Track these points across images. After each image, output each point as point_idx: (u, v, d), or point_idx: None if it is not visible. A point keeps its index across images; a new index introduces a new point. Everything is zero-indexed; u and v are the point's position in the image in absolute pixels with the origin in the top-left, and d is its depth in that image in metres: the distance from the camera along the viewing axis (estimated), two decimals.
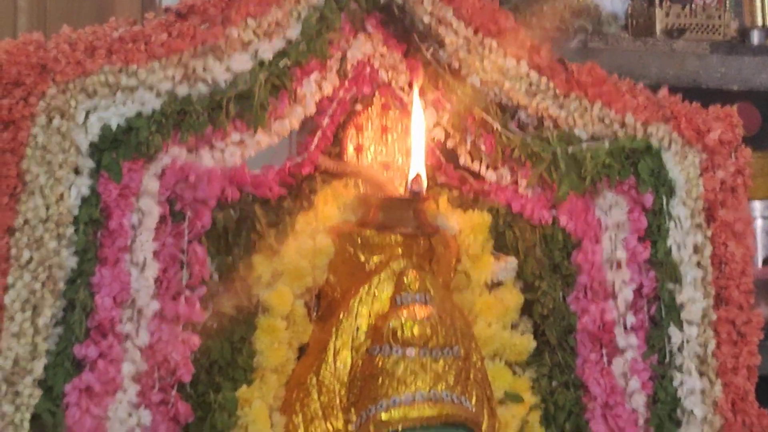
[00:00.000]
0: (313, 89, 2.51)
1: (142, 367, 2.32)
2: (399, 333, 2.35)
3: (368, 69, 2.59)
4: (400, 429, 2.31)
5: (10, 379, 2.21)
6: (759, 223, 3.02)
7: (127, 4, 2.80)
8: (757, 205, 2.98)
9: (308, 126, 2.56)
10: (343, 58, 2.56)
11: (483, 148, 2.65)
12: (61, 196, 2.26)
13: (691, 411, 2.59)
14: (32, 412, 2.21)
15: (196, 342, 2.37)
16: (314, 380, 2.43)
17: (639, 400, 2.59)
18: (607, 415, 2.57)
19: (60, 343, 2.25)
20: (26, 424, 2.20)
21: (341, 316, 2.46)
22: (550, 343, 2.61)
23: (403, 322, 2.36)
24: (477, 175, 2.67)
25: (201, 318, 2.39)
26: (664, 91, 2.69)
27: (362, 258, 2.51)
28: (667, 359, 2.61)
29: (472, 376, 2.45)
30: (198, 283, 2.39)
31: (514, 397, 2.55)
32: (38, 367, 2.22)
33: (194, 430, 2.37)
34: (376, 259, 2.51)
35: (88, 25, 2.40)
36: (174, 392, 2.36)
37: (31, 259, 2.23)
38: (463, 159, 2.67)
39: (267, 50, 2.45)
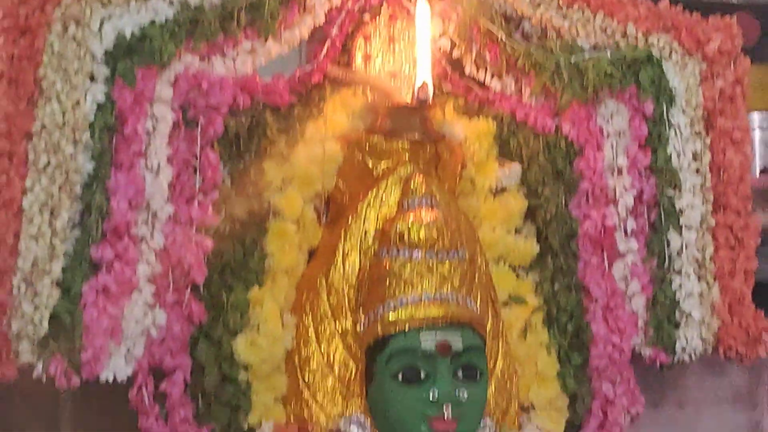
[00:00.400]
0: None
1: (156, 269, 2.33)
2: (406, 236, 2.35)
3: None
4: (406, 328, 2.30)
5: (29, 280, 2.22)
6: (757, 134, 3.02)
7: None
8: (756, 117, 2.98)
9: (317, 36, 2.55)
10: None
11: (488, 57, 2.64)
12: (77, 102, 2.26)
13: (689, 313, 2.61)
14: (51, 311, 2.22)
15: (209, 244, 2.38)
16: (324, 282, 2.45)
17: (638, 303, 2.61)
18: (607, 317, 2.59)
19: (77, 245, 2.26)
20: (45, 323, 2.21)
21: (350, 220, 2.47)
22: (552, 247, 2.62)
23: (409, 225, 2.35)
24: (482, 84, 2.66)
25: (214, 221, 2.40)
26: (665, 2, 2.68)
27: (370, 164, 2.52)
28: (666, 263, 2.62)
29: (476, 278, 2.46)
30: (210, 187, 2.40)
31: (517, 299, 2.57)
32: (56, 268, 2.23)
33: (207, 330, 2.39)
34: (383, 164, 2.52)
35: None
36: (188, 293, 2.38)
37: (48, 163, 2.24)
38: (469, 68, 2.66)
39: None
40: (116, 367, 2.30)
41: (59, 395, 2.64)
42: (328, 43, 2.55)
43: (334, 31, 2.56)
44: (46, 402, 2.66)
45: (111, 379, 2.30)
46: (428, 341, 2.30)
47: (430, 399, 2.28)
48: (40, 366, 2.24)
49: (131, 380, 2.35)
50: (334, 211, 2.55)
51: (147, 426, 2.36)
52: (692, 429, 3.06)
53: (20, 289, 2.22)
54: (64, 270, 2.25)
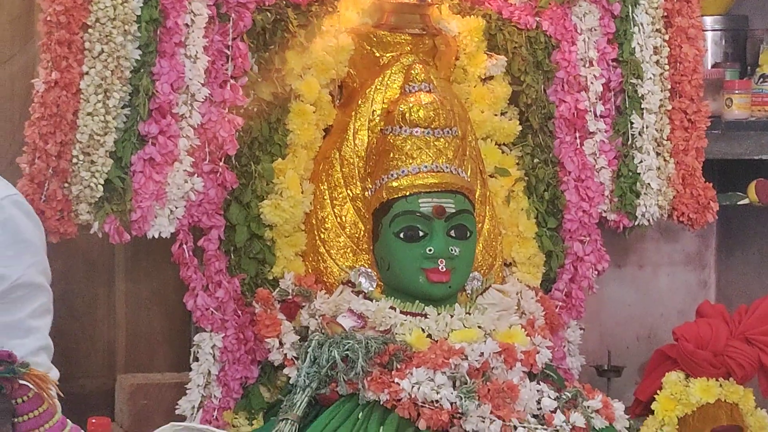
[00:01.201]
0: None
1: (195, 143, 2.38)
2: (407, 115, 2.41)
3: None
4: (407, 194, 2.38)
5: (86, 151, 2.29)
6: (709, 35, 3.03)
7: None
8: (708, 20, 2.99)
9: None
10: None
11: None
12: None
13: (649, 184, 2.69)
14: (105, 177, 2.30)
15: (239, 122, 2.41)
16: (337, 155, 2.49)
17: (605, 175, 2.69)
18: (579, 187, 2.66)
19: (127, 121, 2.32)
20: (100, 188, 2.29)
21: (359, 102, 2.51)
22: (532, 127, 2.67)
23: (410, 106, 2.42)
24: None
25: (243, 102, 2.42)
26: None
27: (377, 54, 2.55)
28: (630, 141, 2.69)
29: (468, 152, 2.52)
30: (241, 73, 2.42)
31: (502, 171, 2.62)
32: (109, 141, 2.30)
33: (238, 195, 2.43)
34: (388, 55, 2.54)
35: None
36: (222, 163, 2.41)
37: (102, 51, 2.28)
38: None
39: None
40: (161, 226, 2.36)
41: (113, 250, 2.71)
42: None
43: None
44: (102, 256, 2.71)
45: (156, 236, 2.36)
46: (426, 205, 2.38)
47: (427, 254, 2.37)
48: (96, 225, 2.31)
49: (173, 237, 2.40)
50: (346, 94, 2.56)
51: (187, 276, 2.41)
52: (650, 286, 3.12)
53: (79, 159, 2.28)
54: (116, 143, 2.30)
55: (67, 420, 1.47)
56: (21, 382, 1.41)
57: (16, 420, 1.40)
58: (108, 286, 2.76)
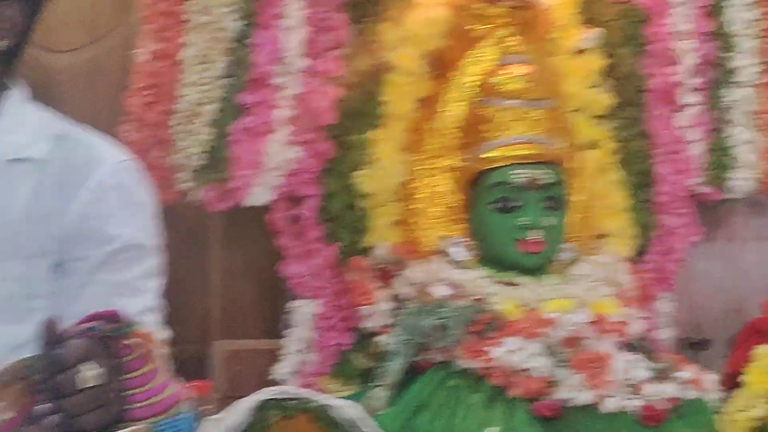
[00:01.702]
0: None
1: (292, 113, 2.38)
2: (502, 87, 2.39)
3: None
4: (502, 165, 2.36)
5: (186, 120, 2.32)
6: None
7: None
8: None
9: None
10: None
11: None
12: None
13: (741, 157, 2.63)
14: (204, 147, 2.33)
15: (336, 93, 2.42)
16: (431, 126, 2.48)
17: (697, 148, 2.63)
18: (670, 160, 2.61)
19: (227, 91, 2.33)
20: (201, 156, 2.32)
21: (454, 74, 2.48)
22: (626, 100, 2.61)
23: (505, 78, 2.40)
24: None
25: (341, 73, 2.43)
26: None
27: (472, 26, 2.50)
28: (722, 115, 2.63)
29: (561, 125, 2.49)
30: (338, 44, 2.42)
31: (595, 144, 2.58)
32: (210, 111, 2.32)
33: (334, 164, 2.44)
34: (483, 27, 2.50)
35: None
36: (318, 133, 2.42)
37: (202, 22, 2.30)
38: None
39: None
40: (258, 194, 2.37)
41: (209, 218, 2.68)
42: None
43: None
44: (197, 225, 2.70)
45: (254, 204, 2.38)
46: (519, 176, 2.35)
47: (520, 224, 2.35)
48: (195, 193, 2.34)
49: (266, 206, 2.42)
50: (441, 66, 2.52)
51: (283, 244, 2.43)
52: (738, 261, 3.04)
53: (180, 129, 2.32)
54: (215, 112, 2.32)
55: (172, 379, 1.48)
56: (127, 341, 1.42)
57: (123, 377, 1.41)
58: (202, 254, 2.76)
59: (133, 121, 2.32)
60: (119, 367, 1.39)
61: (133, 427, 1.40)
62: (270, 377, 2.47)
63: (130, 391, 1.41)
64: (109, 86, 2.67)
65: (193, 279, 2.76)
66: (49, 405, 1.35)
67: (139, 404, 1.42)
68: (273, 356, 2.53)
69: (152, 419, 1.43)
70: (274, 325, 2.75)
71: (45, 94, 2.52)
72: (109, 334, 1.40)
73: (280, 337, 2.60)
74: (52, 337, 1.35)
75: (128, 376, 1.41)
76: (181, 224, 2.66)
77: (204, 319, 2.77)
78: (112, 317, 1.42)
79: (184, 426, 1.49)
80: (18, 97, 1.82)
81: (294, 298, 2.57)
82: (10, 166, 1.75)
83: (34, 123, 1.81)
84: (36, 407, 1.38)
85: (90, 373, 1.35)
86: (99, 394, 1.34)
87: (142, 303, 1.78)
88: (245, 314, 2.79)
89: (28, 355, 1.42)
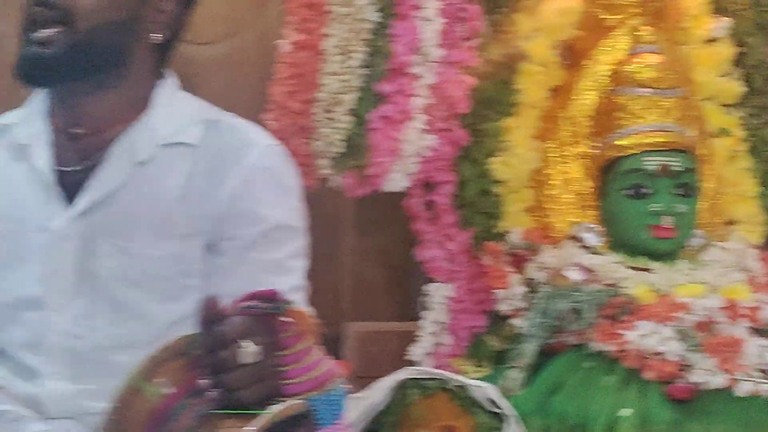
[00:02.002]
0: None
1: (429, 101, 2.39)
2: (634, 76, 2.38)
3: None
4: (634, 152, 2.36)
5: (328, 108, 2.33)
6: None
7: None
8: None
9: None
10: None
11: None
12: None
13: None
14: (344, 134, 2.34)
15: (471, 82, 2.42)
16: (564, 114, 2.47)
17: None
18: None
19: (366, 80, 2.35)
20: (341, 144, 2.34)
21: (587, 63, 2.48)
22: (755, 88, 2.58)
23: (637, 67, 2.39)
24: None
25: (475, 63, 2.43)
26: None
27: (604, 16, 2.50)
28: None
29: (691, 113, 2.47)
30: (473, 35, 2.42)
31: (725, 132, 2.55)
32: (350, 100, 2.34)
33: (469, 151, 2.44)
34: (615, 17, 2.49)
35: None
36: (454, 121, 2.42)
37: (344, 13, 2.32)
38: None
39: None
40: (395, 180, 2.38)
41: (342, 203, 2.71)
42: None
43: None
44: (330, 210, 2.71)
45: (391, 190, 2.39)
46: (652, 163, 2.35)
47: (652, 210, 2.34)
48: (335, 179, 2.36)
49: (397, 193, 2.43)
50: (573, 56, 2.52)
51: (420, 229, 2.44)
52: None
53: (321, 116, 2.33)
54: (355, 101, 2.33)
55: (326, 356, 1.50)
56: (283, 318, 1.44)
57: (280, 353, 1.43)
58: (335, 238, 2.79)
59: (276, 109, 2.34)
60: (276, 344, 1.41)
61: (289, 403, 1.43)
62: (401, 358, 2.47)
63: (286, 368, 1.42)
64: (247, 78, 2.71)
65: (326, 262, 2.73)
66: (209, 380, 1.37)
67: (294, 380, 1.43)
68: (404, 338, 2.54)
69: (307, 395, 1.44)
70: (405, 308, 2.79)
71: (185, 85, 2.62)
72: (267, 312, 1.43)
73: (411, 319, 2.61)
74: (212, 315, 1.36)
75: (284, 352, 1.43)
76: (314, 208, 2.69)
77: (336, 301, 2.79)
78: (269, 296, 1.45)
79: (337, 402, 1.51)
80: (170, 86, 1.86)
81: (427, 281, 2.57)
82: (165, 150, 1.78)
83: (186, 110, 1.84)
84: (198, 382, 1.42)
85: (249, 350, 1.36)
86: (257, 369, 1.35)
87: (290, 281, 1.78)
88: (376, 297, 2.82)
89: (184, 332, 1.44)
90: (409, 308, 2.80)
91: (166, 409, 1.42)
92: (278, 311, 1.42)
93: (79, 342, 1.75)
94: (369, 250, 2.82)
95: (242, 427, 1.37)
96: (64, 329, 1.75)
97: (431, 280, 2.50)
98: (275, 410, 1.38)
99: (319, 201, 2.57)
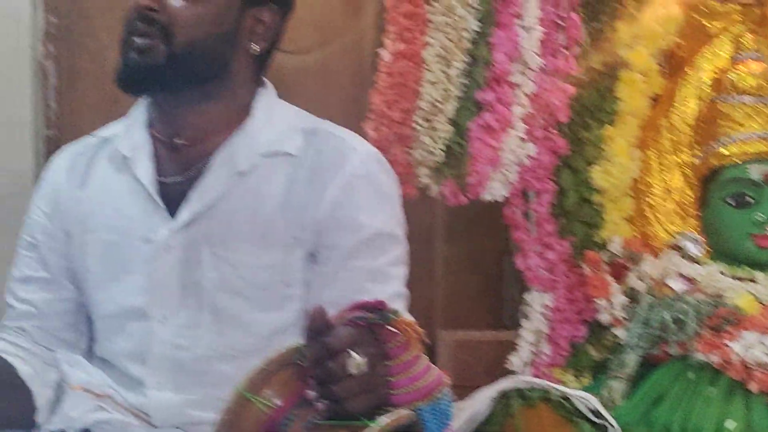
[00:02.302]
0: None
1: (528, 110, 2.37)
2: (737, 83, 2.35)
3: None
4: (737, 161, 2.32)
5: (428, 117, 2.31)
6: None
7: None
8: None
9: None
10: None
11: None
12: None
13: None
14: (444, 143, 2.32)
15: (571, 91, 2.40)
16: (665, 123, 2.45)
17: None
18: None
19: (466, 90, 2.33)
20: (440, 153, 2.32)
21: (688, 71, 2.46)
22: None
23: (740, 74, 2.35)
24: None
25: (575, 71, 2.41)
26: None
27: (705, 24, 2.48)
28: None
29: None
30: (573, 44, 2.40)
31: None
32: (449, 108, 2.32)
33: (569, 160, 2.42)
34: (717, 24, 2.47)
35: None
36: (553, 130, 2.40)
37: (444, 23, 2.29)
38: None
39: None
40: (495, 189, 2.36)
41: (434, 213, 2.73)
42: None
43: None
44: (422, 219, 2.68)
45: (490, 199, 2.37)
46: (755, 172, 2.31)
47: (756, 220, 2.31)
48: (435, 188, 2.34)
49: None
50: (674, 64, 2.50)
51: (519, 237, 2.41)
52: None
53: (421, 125, 2.31)
54: (455, 110, 2.31)
55: (432, 365, 1.48)
56: (390, 328, 1.43)
57: (387, 363, 1.42)
58: (427, 247, 2.78)
59: (376, 118, 2.32)
60: (383, 354, 1.41)
61: (397, 413, 1.42)
62: (494, 367, 2.46)
63: (393, 377, 1.42)
64: (339, 86, 2.74)
65: (418, 270, 2.74)
66: (317, 391, 1.37)
67: (402, 389, 1.42)
68: (497, 347, 2.52)
69: (414, 404, 1.43)
70: (496, 316, 2.80)
71: (280, 93, 2.64)
72: (374, 323, 1.42)
73: (503, 327, 2.62)
74: (320, 325, 1.36)
75: (391, 362, 1.43)
76: (406, 217, 2.72)
77: (428, 310, 2.77)
78: (376, 306, 1.44)
79: (445, 411, 1.50)
80: (268, 95, 1.87)
81: (521, 289, 2.55)
82: (265, 159, 1.79)
83: (285, 119, 1.84)
84: (305, 392, 1.41)
85: (358, 360, 1.35)
86: (366, 379, 1.35)
87: (391, 288, 1.79)
88: (466, 306, 2.82)
89: (286, 340, 1.45)
90: (501, 316, 2.80)
91: (275, 420, 1.42)
92: (385, 321, 1.41)
93: (183, 352, 1.76)
94: (460, 260, 2.81)
95: None
96: (168, 339, 1.76)
97: (525, 289, 2.48)
98: (384, 421, 1.37)
99: (410, 209, 2.62)
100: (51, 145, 2.55)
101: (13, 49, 2.52)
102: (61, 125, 2.59)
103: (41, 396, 1.78)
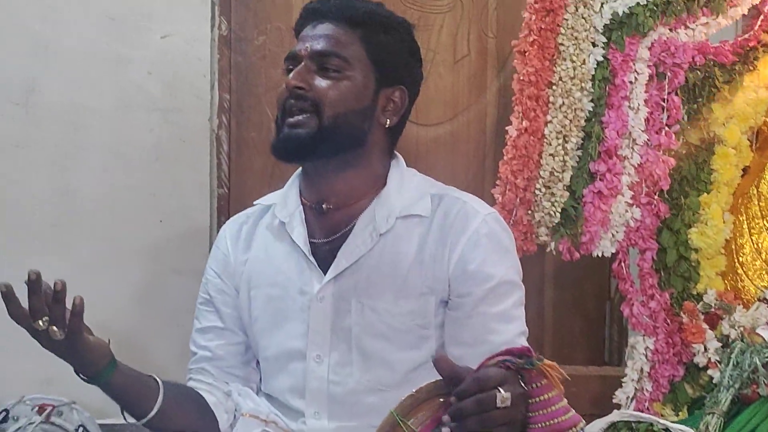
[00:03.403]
0: None
1: (634, 179, 2.37)
2: None
3: None
4: None
5: (547, 185, 2.34)
6: None
7: None
8: None
9: (752, 12, 2.47)
10: None
11: None
12: (584, 61, 2.33)
13: None
14: (561, 207, 2.34)
15: (672, 162, 2.39)
16: (755, 191, 2.44)
17: None
18: None
19: (580, 161, 2.35)
20: (557, 215, 2.34)
21: None
22: None
23: None
24: None
25: (675, 146, 2.40)
26: None
27: None
28: None
29: None
30: (674, 122, 2.39)
31: None
32: (566, 177, 2.34)
33: (669, 223, 2.41)
34: None
35: None
36: (656, 196, 2.40)
37: (563, 104, 2.32)
38: None
39: None
40: (604, 247, 2.37)
41: (544, 264, 2.74)
42: (761, 17, 2.44)
43: (766, 8, 2.43)
44: (534, 268, 2.70)
45: (600, 255, 2.36)
46: None
47: None
48: (552, 244, 2.35)
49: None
50: (762, 139, 2.48)
51: (625, 288, 2.40)
52: None
53: (541, 191, 2.33)
54: (571, 178, 2.33)
55: (570, 408, 1.50)
56: (537, 371, 1.45)
57: (530, 401, 1.44)
58: (538, 293, 2.78)
59: (503, 185, 2.35)
60: (526, 393, 1.43)
61: None
62: (596, 399, 2.46)
63: (533, 413, 1.45)
64: (465, 153, 2.75)
65: (530, 313, 2.72)
66: (458, 420, 1.40)
67: (540, 424, 1.45)
68: (601, 381, 2.51)
69: None
70: (595, 355, 2.78)
71: (416, 160, 2.63)
72: (524, 367, 1.44)
73: (606, 364, 2.61)
74: (447, 371, 1.42)
75: (534, 400, 1.45)
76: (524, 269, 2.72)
77: (539, 347, 2.69)
78: (522, 352, 1.46)
79: None
80: (399, 166, 1.89)
81: (621, 332, 2.58)
82: (400, 221, 1.82)
83: (415, 185, 1.86)
84: (443, 417, 1.44)
85: (505, 395, 1.39)
86: (509, 412, 1.39)
87: (515, 328, 1.81)
88: (573, 344, 2.81)
89: (426, 375, 1.49)
90: (602, 354, 2.79)
91: None
92: (531, 367, 1.44)
93: (336, 387, 1.80)
94: (567, 304, 2.80)
95: None
96: (323, 376, 1.80)
97: (623, 330, 2.50)
98: None
99: (524, 260, 2.62)
100: (222, 201, 2.61)
101: (196, 121, 2.58)
102: (231, 185, 2.63)
103: (222, 420, 1.85)
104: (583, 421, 1.48)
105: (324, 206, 1.82)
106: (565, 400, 1.48)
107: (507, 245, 1.83)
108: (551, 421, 1.46)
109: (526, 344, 1.76)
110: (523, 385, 1.43)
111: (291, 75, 1.76)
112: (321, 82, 1.76)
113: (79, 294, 1.57)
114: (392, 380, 1.77)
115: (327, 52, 1.76)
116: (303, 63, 1.76)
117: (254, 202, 1.97)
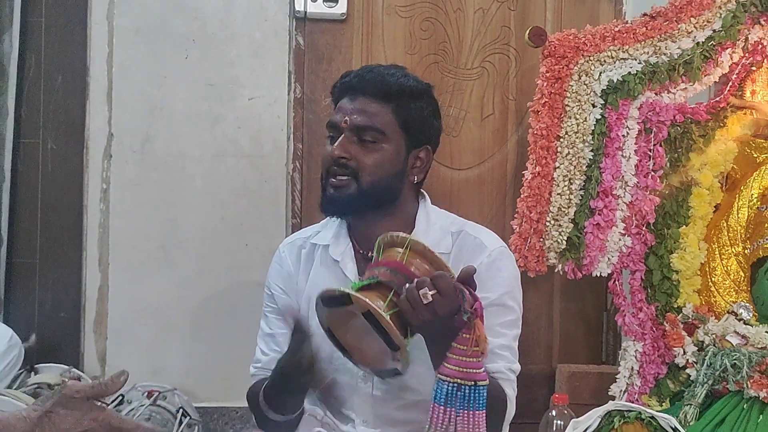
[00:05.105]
0: (727, 58, 2.42)
1: (626, 214, 2.37)
2: None
3: (761, 46, 2.45)
4: None
5: (556, 218, 2.32)
6: None
7: (606, 12, 2.76)
8: None
9: (722, 79, 2.47)
10: (746, 40, 2.44)
11: None
12: (585, 119, 2.33)
13: None
14: (567, 236, 2.32)
15: (657, 201, 2.39)
16: (725, 224, 2.42)
17: None
18: None
19: (582, 199, 2.34)
20: (563, 242, 2.31)
21: (741, 188, 2.43)
22: None
23: None
24: None
25: (660, 187, 2.39)
26: None
27: (755, 155, 2.46)
28: None
29: None
30: (658, 168, 2.38)
31: None
32: (571, 212, 2.33)
33: (655, 249, 2.39)
34: (763, 156, 2.44)
35: (584, 26, 2.42)
36: (644, 228, 2.39)
37: (568, 153, 2.33)
38: None
39: (701, 36, 2.40)
40: (602, 268, 2.36)
41: (553, 280, 2.70)
42: (729, 84, 2.44)
43: (733, 76, 2.43)
44: (545, 285, 2.70)
45: (599, 274, 2.35)
46: None
47: None
48: (559, 266, 2.34)
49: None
50: (730, 182, 2.48)
51: (618, 302, 2.38)
52: None
53: (551, 223, 2.33)
54: (575, 213, 2.33)
55: (485, 368, 1.45)
56: (470, 324, 1.42)
57: (460, 334, 1.44)
58: (548, 303, 2.76)
59: (520, 218, 2.35)
60: (459, 313, 1.42)
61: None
62: (596, 391, 2.44)
63: (459, 346, 1.41)
64: (489, 193, 2.73)
65: (543, 321, 2.78)
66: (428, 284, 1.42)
67: (451, 366, 1.41)
68: (599, 376, 2.49)
69: (454, 379, 1.42)
70: (595, 355, 2.75)
71: (449, 199, 2.67)
72: (464, 310, 1.43)
73: (603, 363, 2.58)
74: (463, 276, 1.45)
75: (463, 335, 1.42)
76: (536, 285, 2.70)
77: (549, 349, 2.77)
78: (476, 304, 1.44)
79: (471, 398, 1.45)
80: (425, 205, 1.79)
81: (616, 337, 2.55)
82: None
83: (439, 224, 1.77)
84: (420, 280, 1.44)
85: (430, 294, 1.44)
86: (431, 309, 1.42)
87: (499, 342, 1.72)
88: (577, 346, 2.78)
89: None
90: (600, 355, 2.78)
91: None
92: (466, 315, 1.42)
93: (380, 402, 1.75)
94: (571, 313, 2.78)
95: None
96: (368, 393, 1.76)
97: (618, 336, 2.47)
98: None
99: (538, 279, 2.58)
100: (295, 229, 2.57)
101: (275, 166, 2.61)
102: (302, 216, 2.64)
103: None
104: (487, 383, 1.43)
105: (366, 252, 1.76)
106: (485, 365, 1.45)
107: (506, 275, 1.75)
108: (467, 359, 1.42)
109: (506, 354, 1.72)
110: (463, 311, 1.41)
111: (335, 145, 1.69)
112: (360, 152, 1.68)
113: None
114: (426, 391, 1.67)
115: (365, 126, 1.68)
116: (344, 135, 1.69)
117: (308, 237, 1.86)
